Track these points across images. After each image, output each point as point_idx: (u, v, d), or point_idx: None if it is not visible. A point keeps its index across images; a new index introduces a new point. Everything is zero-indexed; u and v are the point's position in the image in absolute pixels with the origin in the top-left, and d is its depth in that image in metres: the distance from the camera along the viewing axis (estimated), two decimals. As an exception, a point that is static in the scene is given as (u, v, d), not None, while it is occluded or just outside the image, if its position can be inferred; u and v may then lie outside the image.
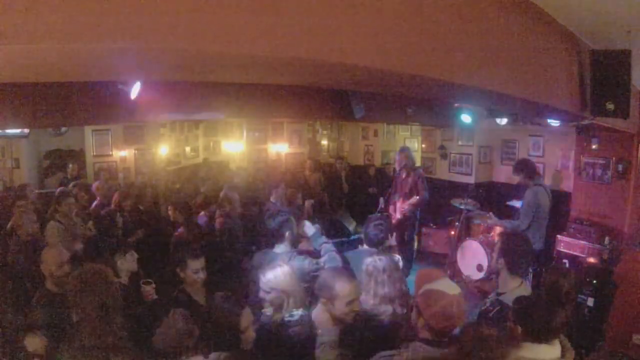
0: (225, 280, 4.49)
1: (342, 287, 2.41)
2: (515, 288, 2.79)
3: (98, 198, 6.29)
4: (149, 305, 3.12)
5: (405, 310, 2.73)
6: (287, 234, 3.41)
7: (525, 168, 5.21)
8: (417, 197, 6.32)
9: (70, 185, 6.93)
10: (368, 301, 2.78)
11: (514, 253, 2.84)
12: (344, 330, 2.48)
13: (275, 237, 3.43)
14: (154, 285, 3.18)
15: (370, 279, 2.83)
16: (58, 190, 5.50)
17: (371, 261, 2.88)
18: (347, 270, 2.83)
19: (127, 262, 3.33)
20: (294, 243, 3.49)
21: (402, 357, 2.01)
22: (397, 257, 4.68)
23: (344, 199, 9.02)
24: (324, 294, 2.47)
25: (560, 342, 2.30)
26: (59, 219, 4.67)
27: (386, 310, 2.74)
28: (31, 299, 3.04)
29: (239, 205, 5.74)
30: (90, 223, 5.14)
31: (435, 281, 2.06)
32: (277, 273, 2.68)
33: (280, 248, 3.40)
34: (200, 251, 3.17)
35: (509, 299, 2.63)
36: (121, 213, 5.28)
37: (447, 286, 2.03)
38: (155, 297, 3.15)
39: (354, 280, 2.50)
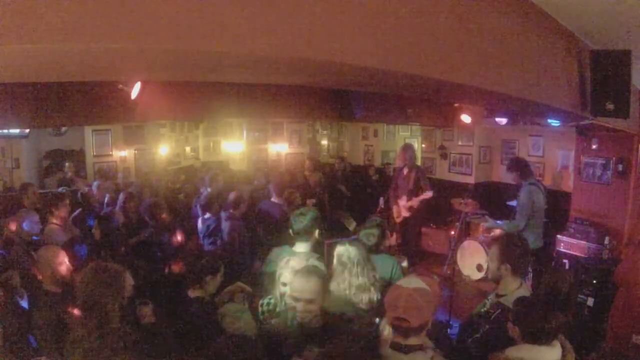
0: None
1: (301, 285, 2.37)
2: (515, 289, 2.78)
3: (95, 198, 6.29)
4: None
5: (380, 296, 2.75)
6: (316, 232, 3.31)
7: (519, 167, 5.20)
8: (429, 192, 6.34)
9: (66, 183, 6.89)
10: (344, 291, 2.80)
11: (515, 256, 2.81)
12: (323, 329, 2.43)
13: (302, 235, 3.26)
14: (151, 307, 2.80)
15: (344, 269, 2.84)
16: (57, 190, 5.49)
17: (343, 250, 2.90)
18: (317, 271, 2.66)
19: None
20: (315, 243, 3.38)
21: None
22: (404, 261, 4.66)
23: (344, 199, 9.01)
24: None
25: (561, 344, 2.30)
26: (55, 222, 4.66)
27: (363, 299, 2.78)
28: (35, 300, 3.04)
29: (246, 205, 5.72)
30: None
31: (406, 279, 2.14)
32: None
33: (302, 247, 3.26)
34: (217, 265, 3.01)
35: (509, 301, 2.62)
36: (125, 214, 5.27)
37: (407, 281, 2.05)
38: (153, 320, 2.74)
39: (315, 280, 2.41)
